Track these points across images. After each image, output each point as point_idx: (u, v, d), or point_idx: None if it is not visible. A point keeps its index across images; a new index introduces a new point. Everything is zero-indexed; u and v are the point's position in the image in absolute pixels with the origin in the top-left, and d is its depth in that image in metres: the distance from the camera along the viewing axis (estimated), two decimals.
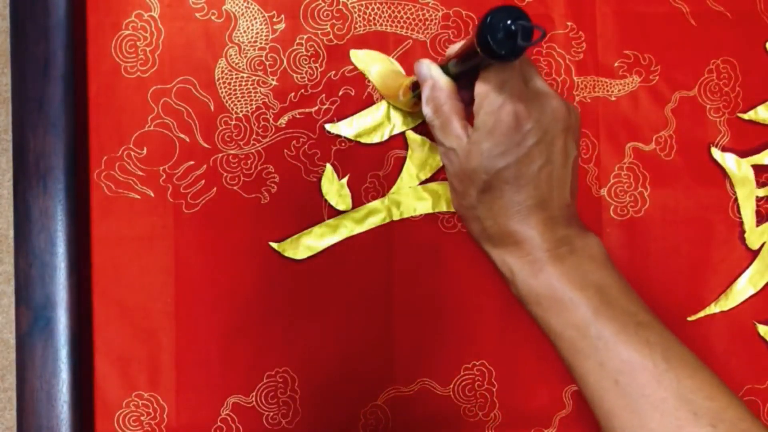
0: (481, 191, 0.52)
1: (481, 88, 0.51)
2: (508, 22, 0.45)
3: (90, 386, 0.66)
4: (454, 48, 0.56)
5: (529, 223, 0.51)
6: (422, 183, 0.68)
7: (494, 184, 0.51)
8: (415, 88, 0.60)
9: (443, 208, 0.68)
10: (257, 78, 0.67)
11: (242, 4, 0.67)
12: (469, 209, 0.53)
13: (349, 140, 0.68)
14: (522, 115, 0.49)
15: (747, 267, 0.69)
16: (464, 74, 0.54)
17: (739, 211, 0.69)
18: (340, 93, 0.67)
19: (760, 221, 0.69)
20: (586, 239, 0.52)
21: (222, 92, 0.67)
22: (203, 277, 0.67)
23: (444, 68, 0.56)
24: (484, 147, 0.50)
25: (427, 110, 0.55)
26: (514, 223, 0.51)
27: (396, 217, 0.68)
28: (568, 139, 0.52)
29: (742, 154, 0.69)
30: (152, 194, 0.67)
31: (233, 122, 0.67)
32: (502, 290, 0.68)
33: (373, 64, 0.67)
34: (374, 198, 0.68)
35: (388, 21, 0.68)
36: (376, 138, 0.68)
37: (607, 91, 0.69)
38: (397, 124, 0.68)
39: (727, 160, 0.69)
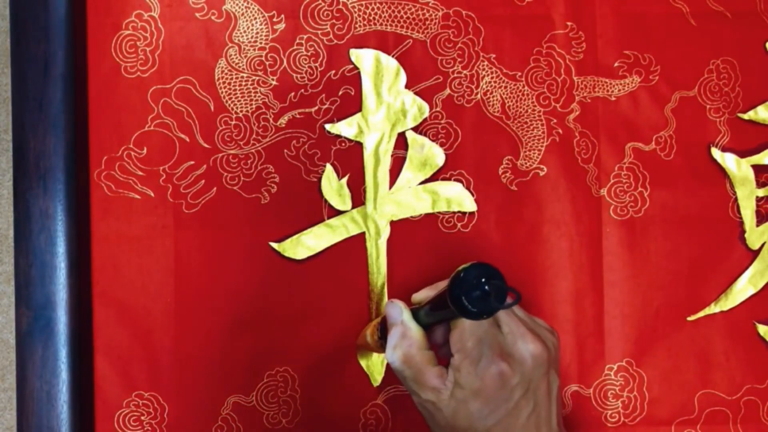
0: None
1: (458, 345, 0.51)
2: (482, 281, 0.44)
3: (90, 386, 0.66)
4: (419, 296, 0.55)
5: None
6: (422, 183, 0.68)
7: None
8: (383, 328, 0.57)
9: (443, 208, 0.68)
10: (257, 78, 0.67)
11: (242, 4, 0.67)
12: None
13: (349, 140, 0.68)
14: (507, 373, 0.50)
15: (747, 267, 0.69)
16: (436, 322, 0.53)
17: (739, 211, 0.69)
18: (340, 93, 0.67)
19: (760, 221, 0.69)
20: None
21: (222, 92, 0.67)
22: (203, 277, 0.67)
23: (414, 313, 0.54)
24: (472, 408, 0.50)
25: (393, 357, 0.54)
26: None
27: (395, 218, 0.68)
28: (550, 376, 0.52)
29: (742, 154, 0.69)
30: (152, 194, 0.67)
31: (233, 122, 0.67)
32: None
33: None
34: None
35: (388, 21, 0.68)
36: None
37: (607, 91, 0.69)
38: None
39: (727, 160, 0.69)
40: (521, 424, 0.51)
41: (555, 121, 0.68)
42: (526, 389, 0.50)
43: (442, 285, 0.53)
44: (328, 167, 0.67)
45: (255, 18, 0.67)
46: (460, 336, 0.51)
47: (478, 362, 0.50)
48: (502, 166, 0.68)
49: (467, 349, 0.50)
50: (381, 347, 0.58)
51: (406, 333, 0.54)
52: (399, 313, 0.55)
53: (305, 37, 0.67)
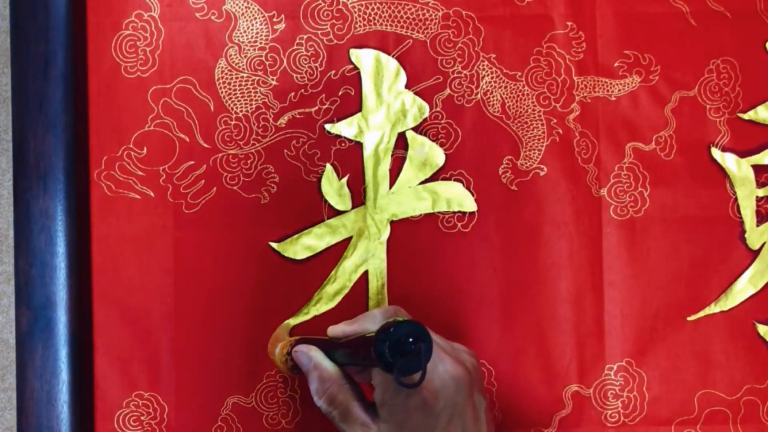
0: None
1: (378, 378, 0.50)
2: (410, 340, 0.44)
3: (90, 386, 0.66)
4: (335, 330, 0.55)
5: None
6: (422, 183, 0.68)
7: None
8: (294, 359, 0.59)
9: (443, 208, 0.68)
10: (257, 78, 0.67)
11: (242, 4, 0.67)
12: None
13: (349, 140, 0.68)
14: (429, 400, 0.49)
15: (747, 267, 0.69)
16: (353, 365, 0.53)
17: (739, 211, 0.69)
18: (340, 93, 0.67)
19: (760, 221, 0.69)
20: None
21: (222, 92, 0.67)
22: (203, 277, 0.67)
23: (329, 352, 0.54)
24: None
25: (320, 403, 0.54)
26: None
27: (395, 218, 0.68)
28: (475, 398, 0.51)
29: (742, 154, 0.69)
30: (152, 194, 0.67)
31: (233, 122, 0.67)
32: (502, 290, 0.68)
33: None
34: None
35: (388, 21, 0.68)
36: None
37: (607, 91, 0.69)
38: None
39: (727, 160, 0.69)
40: None
41: (555, 121, 0.68)
42: (452, 414, 0.50)
43: (360, 326, 0.53)
44: (328, 167, 0.67)
45: (255, 18, 0.67)
46: (380, 370, 0.50)
47: (399, 393, 0.49)
48: (502, 166, 0.68)
49: (388, 381, 0.49)
50: (286, 367, 0.60)
51: (322, 375, 0.54)
52: (308, 360, 0.55)
53: (305, 37, 0.67)
